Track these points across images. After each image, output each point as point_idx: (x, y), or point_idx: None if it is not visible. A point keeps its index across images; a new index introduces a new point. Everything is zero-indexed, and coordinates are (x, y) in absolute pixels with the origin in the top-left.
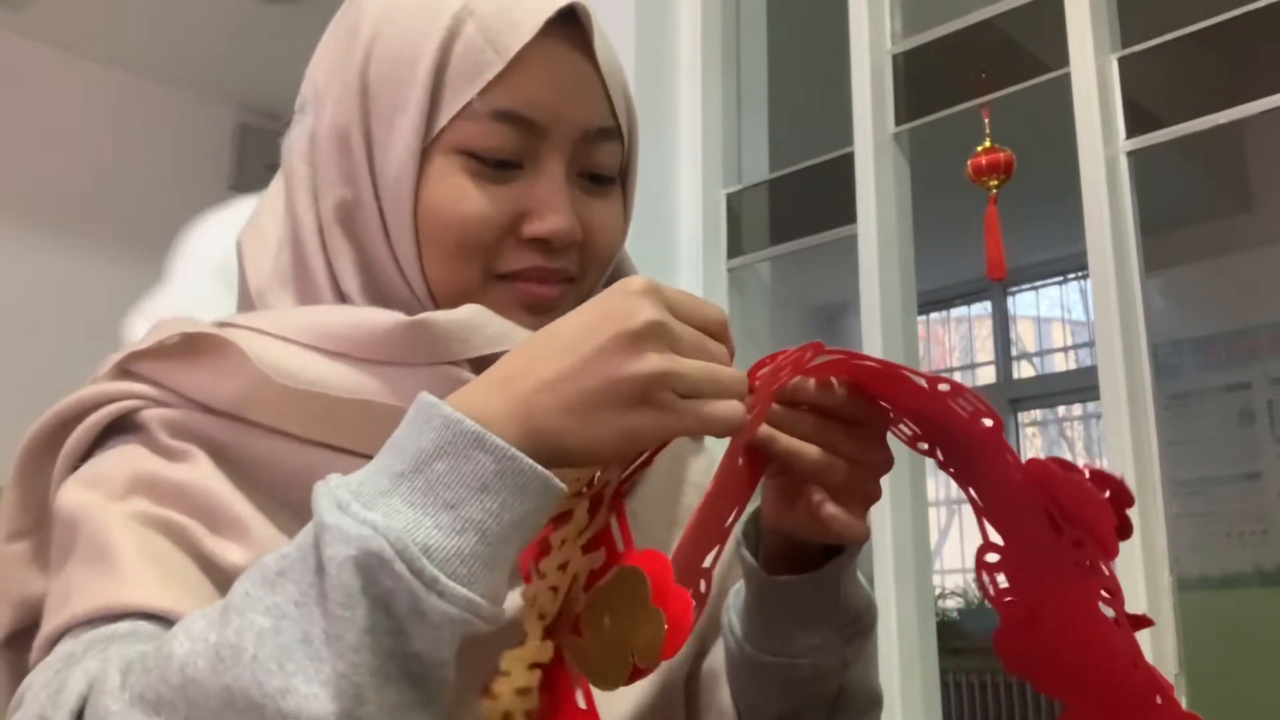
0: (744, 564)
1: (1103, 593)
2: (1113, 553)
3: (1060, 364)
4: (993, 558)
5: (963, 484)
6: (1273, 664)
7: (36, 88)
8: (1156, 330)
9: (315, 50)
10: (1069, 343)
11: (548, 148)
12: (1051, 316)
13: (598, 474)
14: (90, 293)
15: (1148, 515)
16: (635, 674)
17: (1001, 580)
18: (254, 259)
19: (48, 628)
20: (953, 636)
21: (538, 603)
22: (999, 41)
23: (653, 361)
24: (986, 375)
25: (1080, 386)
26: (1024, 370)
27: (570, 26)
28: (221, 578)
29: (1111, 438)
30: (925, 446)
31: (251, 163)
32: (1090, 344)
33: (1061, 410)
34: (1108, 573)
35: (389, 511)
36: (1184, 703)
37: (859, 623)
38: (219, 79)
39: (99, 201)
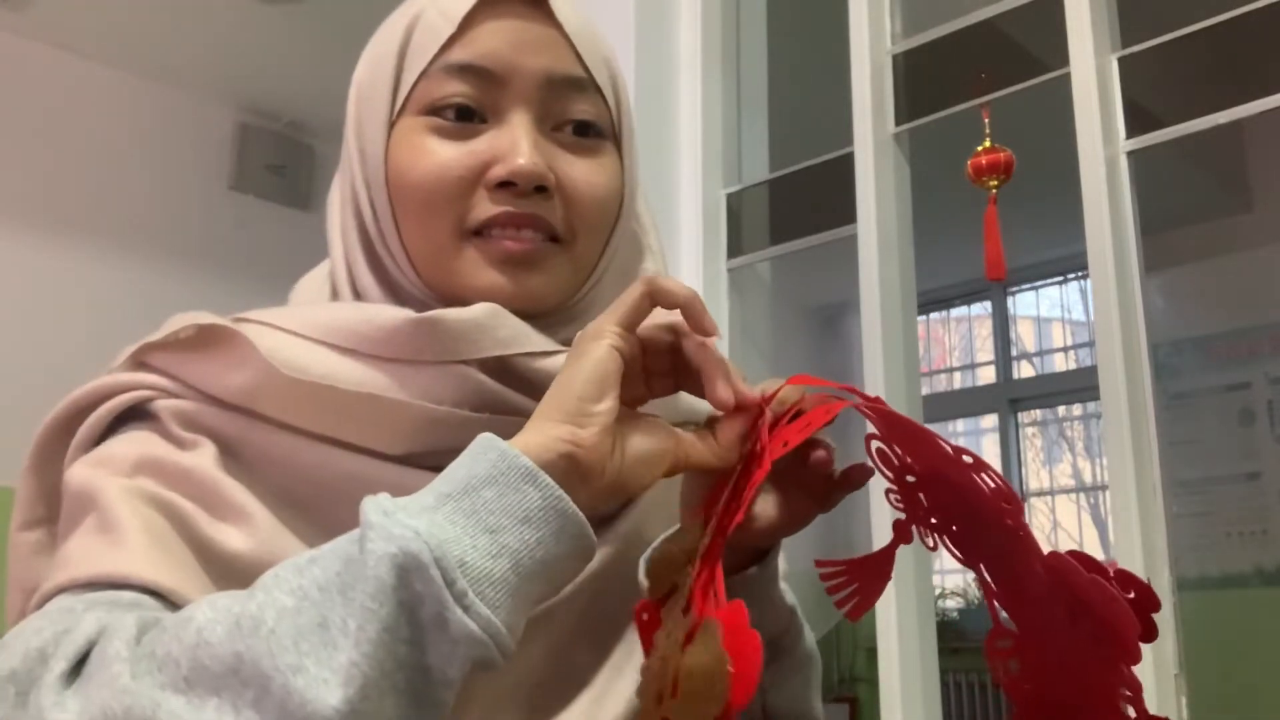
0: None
1: (1124, 690)
2: (1135, 658)
3: (1060, 364)
4: (1004, 643)
5: (973, 563)
6: (1273, 664)
7: (36, 88)
8: (1156, 330)
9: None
10: (1069, 343)
11: (509, 98)
12: (1051, 316)
13: (703, 541)
14: (90, 292)
15: (1148, 515)
16: None
17: (1015, 664)
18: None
19: (45, 588)
20: (953, 636)
21: (651, 675)
22: (999, 41)
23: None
24: (986, 375)
25: (1080, 386)
26: (1024, 370)
27: None
28: (218, 565)
29: (1111, 438)
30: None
31: (251, 163)
32: (1090, 344)
33: (1061, 410)
34: (1127, 672)
35: (432, 523)
36: (1184, 702)
37: (775, 645)
38: (219, 79)
39: (99, 201)
